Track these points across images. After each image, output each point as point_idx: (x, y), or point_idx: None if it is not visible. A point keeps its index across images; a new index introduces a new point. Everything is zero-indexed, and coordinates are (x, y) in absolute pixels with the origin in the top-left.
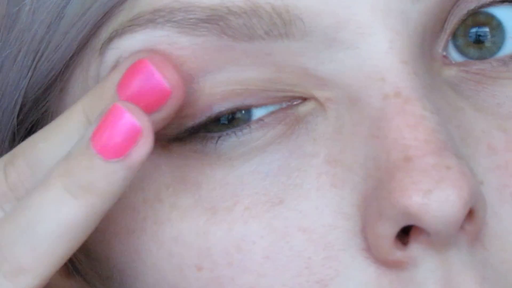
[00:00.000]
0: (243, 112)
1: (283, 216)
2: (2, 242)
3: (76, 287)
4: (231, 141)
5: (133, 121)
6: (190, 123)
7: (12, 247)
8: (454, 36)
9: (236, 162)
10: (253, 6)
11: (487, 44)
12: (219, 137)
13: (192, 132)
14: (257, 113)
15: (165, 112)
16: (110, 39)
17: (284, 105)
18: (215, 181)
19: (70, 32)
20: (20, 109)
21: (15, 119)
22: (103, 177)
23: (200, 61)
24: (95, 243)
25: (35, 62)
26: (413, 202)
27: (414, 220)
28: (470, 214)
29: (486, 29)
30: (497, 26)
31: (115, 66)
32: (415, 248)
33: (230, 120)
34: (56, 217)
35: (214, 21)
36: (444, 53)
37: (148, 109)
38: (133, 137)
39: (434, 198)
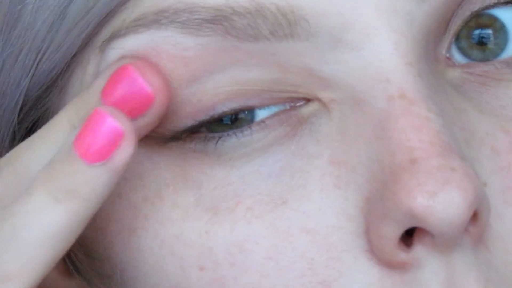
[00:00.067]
0: (246, 112)
1: (286, 216)
2: None
3: (76, 286)
4: (232, 141)
5: (115, 124)
6: (192, 122)
7: None
8: (457, 37)
9: (237, 163)
10: (257, 6)
11: (490, 46)
12: (219, 138)
13: (193, 131)
14: (260, 114)
15: (150, 117)
16: (112, 38)
17: (287, 106)
18: (216, 181)
19: (72, 32)
20: (21, 108)
21: (16, 118)
22: (86, 182)
23: (205, 61)
24: (96, 242)
25: (36, 61)
26: (418, 204)
27: (419, 222)
28: (474, 216)
29: (489, 31)
30: (500, 28)
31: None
32: (419, 250)
33: (233, 120)
34: (40, 223)
35: (218, 21)
36: (448, 55)
37: (133, 115)
38: (115, 141)
39: (439, 200)
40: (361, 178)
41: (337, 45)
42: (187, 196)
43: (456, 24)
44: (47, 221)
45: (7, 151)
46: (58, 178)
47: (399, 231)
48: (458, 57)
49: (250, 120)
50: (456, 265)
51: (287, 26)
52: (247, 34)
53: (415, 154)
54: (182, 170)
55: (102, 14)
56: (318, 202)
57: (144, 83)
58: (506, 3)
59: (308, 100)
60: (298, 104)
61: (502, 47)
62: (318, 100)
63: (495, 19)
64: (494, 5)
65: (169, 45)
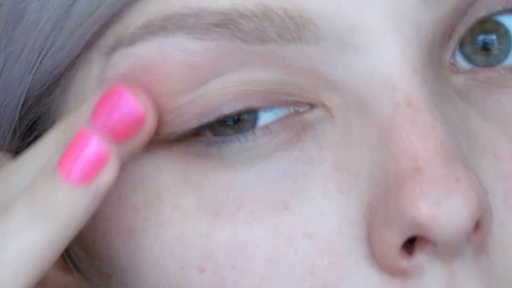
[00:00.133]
0: (250, 114)
1: (288, 220)
2: None
3: (74, 283)
4: (235, 146)
5: (99, 148)
6: (197, 123)
7: None
8: (461, 43)
9: (240, 167)
10: (264, 9)
11: (494, 51)
12: (223, 142)
13: (197, 133)
14: (264, 117)
15: (138, 139)
16: (118, 45)
17: (291, 110)
18: (217, 184)
19: (76, 32)
20: (23, 104)
21: (17, 115)
22: (67, 203)
23: (213, 65)
24: (96, 242)
25: (39, 59)
26: (423, 213)
27: (423, 230)
28: (477, 224)
29: (494, 37)
30: (504, 34)
31: (127, 74)
32: (421, 257)
33: (236, 121)
34: (19, 243)
35: (225, 25)
36: (452, 60)
37: (122, 137)
38: (98, 164)
39: (443, 210)
40: (364, 184)
41: (344, 49)
42: (188, 198)
43: (461, 30)
44: (26, 241)
45: (7, 149)
46: (39, 199)
47: (401, 238)
48: (462, 62)
49: (253, 122)
50: (457, 273)
51: (295, 30)
52: (254, 37)
53: (420, 163)
54: (184, 173)
55: (107, 16)
56: (320, 207)
57: (135, 105)
58: (511, 10)
59: (312, 106)
60: (302, 109)
61: (506, 53)
62: (323, 105)
63: (499, 25)
64: (499, 12)
65: (177, 51)
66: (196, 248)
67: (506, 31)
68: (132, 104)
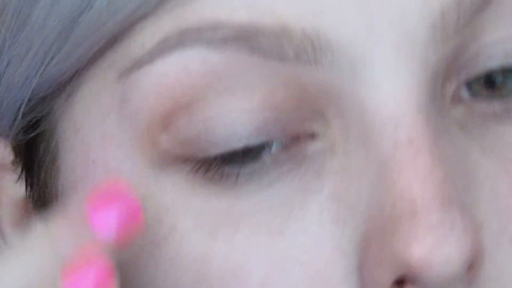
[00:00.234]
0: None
1: (282, 247)
2: None
3: None
4: (244, 177)
5: (104, 279)
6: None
7: None
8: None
9: (241, 195)
10: (283, 27)
11: (498, 83)
12: (232, 172)
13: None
14: (274, 147)
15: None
16: (137, 64)
17: (300, 139)
18: (218, 210)
19: (83, 43)
20: (26, 103)
21: (20, 113)
22: None
23: (235, 75)
24: None
25: (44, 65)
26: (416, 257)
27: (414, 273)
28: (469, 266)
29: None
30: (509, 69)
31: (149, 92)
32: None
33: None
34: None
35: (242, 39)
36: (455, 90)
37: (126, 237)
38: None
39: (436, 255)
40: (360, 217)
41: (356, 78)
42: (186, 221)
43: (466, 65)
44: None
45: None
46: None
47: (392, 277)
48: (464, 93)
49: (266, 152)
50: None
51: (311, 51)
52: (273, 53)
53: (416, 206)
54: (187, 196)
55: (116, 32)
56: (314, 236)
57: (139, 204)
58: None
59: (314, 135)
60: (306, 139)
61: (509, 86)
62: (326, 134)
63: None
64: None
65: (197, 63)
66: (190, 270)
67: None
68: (136, 203)
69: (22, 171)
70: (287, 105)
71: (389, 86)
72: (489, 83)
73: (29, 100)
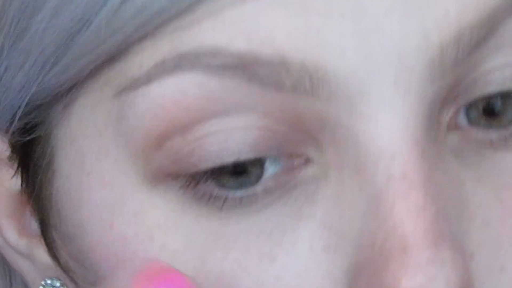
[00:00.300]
0: (256, 166)
1: (273, 272)
2: None
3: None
4: (234, 201)
5: None
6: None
7: None
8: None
9: (232, 220)
10: (281, 59)
11: (497, 110)
12: (223, 195)
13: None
14: (267, 172)
15: None
16: (134, 84)
17: (289, 163)
18: (208, 232)
19: (81, 60)
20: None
21: (16, 116)
22: None
23: (231, 99)
24: (83, 254)
25: (41, 75)
26: None
27: None
28: None
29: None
30: (507, 96)
31: (145, 113)
32: None
33: (240, 173)
34: None
35: (240, 67)
36: (451, 116)
37: None
38: None
39: None
40: (350, 247)
41: (352, 111)
42: (177, 241)
43: (463, 96)
44: None
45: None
46: None
47: None
48: (462, 119)
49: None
50: None
51: (309, 84)
52: (270, 83)
53: (408, 242)
54: (178, 215)
55: (114, 52)
56: (305, 262)
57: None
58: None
59: (308, 160)
60: (298, 163)
61: (507, 114)
62: (319, 160)
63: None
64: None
65: (194, 87)
66: None
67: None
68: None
69: (18, 167)
70: (281, 127)
71: (385, 119)
72: (488, 109)
73: (26, 105)
